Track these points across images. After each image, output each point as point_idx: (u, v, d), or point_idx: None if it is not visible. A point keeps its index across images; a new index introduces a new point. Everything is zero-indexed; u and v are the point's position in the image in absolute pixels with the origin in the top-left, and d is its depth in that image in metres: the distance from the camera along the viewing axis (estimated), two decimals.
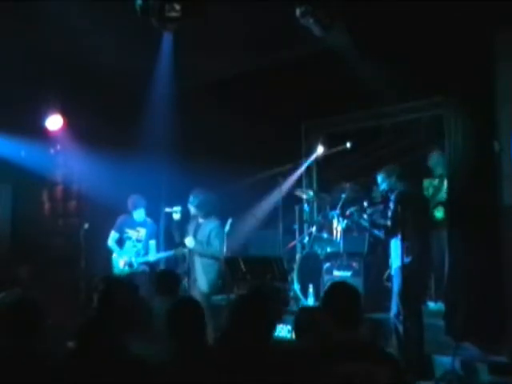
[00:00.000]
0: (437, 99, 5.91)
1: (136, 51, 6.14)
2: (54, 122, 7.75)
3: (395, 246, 5.04)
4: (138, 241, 6.51)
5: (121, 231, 6.55)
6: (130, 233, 6.53)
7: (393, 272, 5.11)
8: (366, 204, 5.82)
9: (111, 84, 6.84)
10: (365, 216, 5.63)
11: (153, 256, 6.53)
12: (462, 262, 5.21)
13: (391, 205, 5.10)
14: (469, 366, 4.64)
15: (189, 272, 6.00)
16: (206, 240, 5.92)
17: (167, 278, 4.53)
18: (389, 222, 5.09)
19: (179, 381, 2.53)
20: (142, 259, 6.47)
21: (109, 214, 6.87)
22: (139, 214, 6.52)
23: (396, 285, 4.99)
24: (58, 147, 8.34)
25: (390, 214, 5.11)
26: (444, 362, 4.76)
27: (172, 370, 2.57)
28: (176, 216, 6.14)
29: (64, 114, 7.72)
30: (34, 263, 7.86)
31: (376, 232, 5.44)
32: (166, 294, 4.18)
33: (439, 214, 6.15)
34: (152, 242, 6.57)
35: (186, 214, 6.19)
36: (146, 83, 6.82)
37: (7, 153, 7.75)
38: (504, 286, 4.94)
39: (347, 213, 5.86)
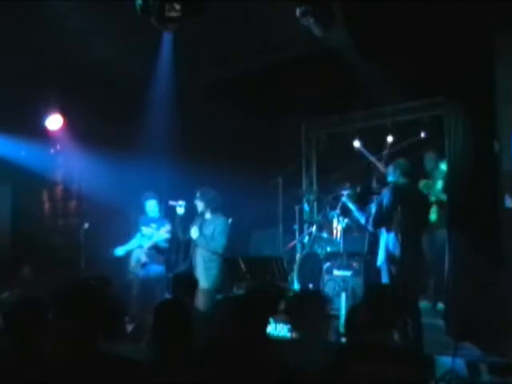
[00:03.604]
0: (437, 99, 5.91)
1: (136, 51, 6.14)
2: (54, 122, 7.75)
3: (382, 240, 5.06)
4: (149, 237, 6.52)
5: (139, 230, 6.62)
6: (144, 230, 6.58)
7: (378, 266, 5.09)
8: (358, 189, 5.80)
9: (111, 84, 6.84)
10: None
11: (156, 236, 6.46)
12: (462, 261, 5.20)
13: (381, 196, 5.10)
14: (471, 366, 4.63)
15: (192, 270, 6.00)
16: (210, 235, 5.92)
17: (184, 281, 4.45)
18: (373, 209, 5.07)
19: (166, 381, 2.54)
20: (146, 246, 6.43)
21: (109, 214, 6.88)
22: (152, 207, 6.57)
23: (384, 281, 4.98)
24: (58, 147, 8.34)
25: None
26: (444, 361, 4.75)
27: (159, 370, 2.58)
28: (180, 210, 6.14)
29: (64, 114, 7.72)
30: (34, 263, 7.85)
31: (358, 217, 5.36)
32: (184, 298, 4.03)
33: (433, 215, 6.12)
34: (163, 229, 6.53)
35: (188, 210, 6.19)
36: (146, 83, 6.82)
37: (7, 153, 7.75)
38: (504, 286, 4.93)
39: (341, 193, 5.80)
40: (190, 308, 3.34)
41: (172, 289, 4.44)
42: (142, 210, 6.71)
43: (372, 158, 7.03)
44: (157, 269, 6.51)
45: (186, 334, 2.75)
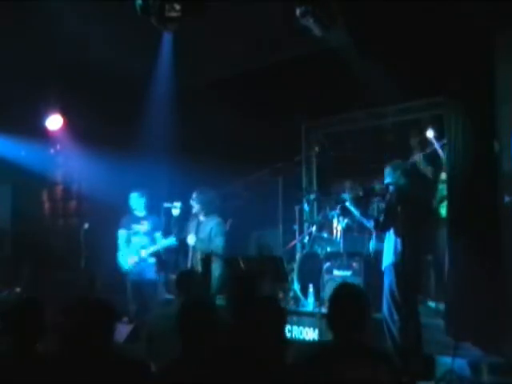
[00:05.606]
0: (437, 99, 5.91)
1: (136, 51, 6.14)
2: (54, 122, 7.75)
3: (388, 242, 5.05)
4: (145, 234, 6.42)
5: (128, 228, 6.43)
6: (137, 227, 6.43)
7: (383, 268, 5.09)
8: (361, 193, 5.78)
9: (111, 84, 6.84)
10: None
11: (160, 244, 6.31)
12: (462, 261, 5.20)
13: (387, 198, 5.10)
14: (473, 366, 4.64)
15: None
16: (207, 237, 5.91)
17: (185, 278, 4.43)
18: (382, 215, 5.07)
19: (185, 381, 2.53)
20: (150, 250, 6.30)
21: (109, 214, 6.86)
22: (136, 202, 6.38)
23: (387, 284, 4.97)
24: (58, 147, 8.34)
25: (384, 206, 5.11)
26: (444, 361, 4.76)
27: (179, 370, 2.58)
28: (175, 211, 6.12)
29: (64, 114, 7.73)
30: (34, 263, 7.85)
31: (366, 223, 5.33)
32: (184, 295, 4.07)
33: (443, 210, 6.03)
34: (158, 234, 6.41)
35: (185, 211, 6.17)
36: (147, 83, 6.83)
37: (7, 153, 7.76)
38: (504, 286, 4.93)
39: (342, 198, 5.77)
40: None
41: (179, 286, 4.31)
42: (126, 209, 6.49)
43: (440, 149, 6.44)
44: (150, 276, 6.38)
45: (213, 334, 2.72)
